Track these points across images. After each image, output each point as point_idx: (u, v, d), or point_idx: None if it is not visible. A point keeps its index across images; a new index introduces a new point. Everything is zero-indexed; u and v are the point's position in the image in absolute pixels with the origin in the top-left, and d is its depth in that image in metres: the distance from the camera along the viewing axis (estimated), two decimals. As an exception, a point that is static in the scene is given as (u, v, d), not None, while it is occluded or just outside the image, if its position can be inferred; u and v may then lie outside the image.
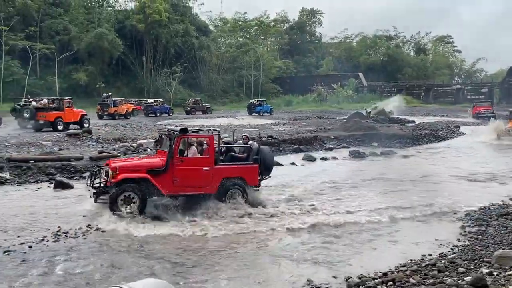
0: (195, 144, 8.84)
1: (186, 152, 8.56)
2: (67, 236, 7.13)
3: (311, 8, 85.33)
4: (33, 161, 12.32)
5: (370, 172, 13.52)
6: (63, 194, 10.12)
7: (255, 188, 9.17)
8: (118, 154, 13.65)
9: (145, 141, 17.11)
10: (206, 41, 62.08)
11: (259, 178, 9.21)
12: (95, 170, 9.06)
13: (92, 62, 50.35)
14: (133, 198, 8.00)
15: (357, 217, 8.34)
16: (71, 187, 10.64)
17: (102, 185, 8.33)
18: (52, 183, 10.87)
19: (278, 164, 14.29)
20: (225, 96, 62.61)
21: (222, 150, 9.32)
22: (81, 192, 9.56)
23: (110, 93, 34.58)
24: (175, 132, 8.52)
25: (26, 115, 22.19)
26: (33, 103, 23.50)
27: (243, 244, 6.99)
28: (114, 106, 33.36)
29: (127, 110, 34.70)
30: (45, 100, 24.25)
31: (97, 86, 47.47)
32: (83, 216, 8.21)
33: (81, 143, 17.47)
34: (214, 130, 9.30)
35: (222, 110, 51.83)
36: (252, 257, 6.45)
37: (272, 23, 77.28)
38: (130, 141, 17.32)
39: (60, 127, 22.15)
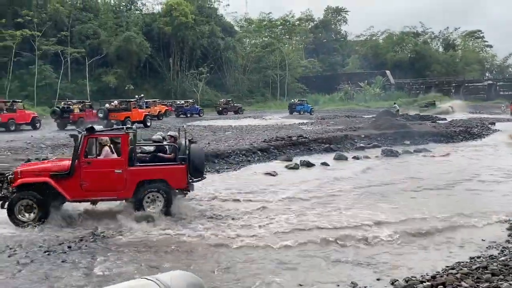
0: (109, 144, 8.15)
1: (96, 153, 8.00)
2: (104, 236, 7.16)
3: (336, 6, 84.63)
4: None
5: (405, 171, 13.15)
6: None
7: (184, 191, 8.39)
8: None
9: (175, 141, 17.17)
10: (232, 41, 62.22)
11: (189, 180, 8.25)
12: (6, 174, 8.39)
13: (120, 65, 51.21)
14: (33, 205, 7.54)
15: (394, 218, 8.05)
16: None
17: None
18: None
19: (309, 164, 14.14)
20: (251, 96, 62.62)
21: (153, 150, 8.55)
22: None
23: (142, 95, 35.11)
24: (82, 132, 7.97)
25: (100, 115, 25.03)
26: (106, 105, 26.52)
27: (275, 246, 6.73)
28: (146, 107, 33.88)
29: (159, 112, 35.20)
30: (116, 102, 27.11)
31: (126, 88, 48.24)
32: (118, 215, 8.23)
33: (113, 144, 17.70)
34: (128, 128, 8.46)
35: (248, 110, 51.85)
36: (288, 259, 6.28)
37: (297, 22, 76.83)
38: (161, 142, 17.41)
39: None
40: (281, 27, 71.95)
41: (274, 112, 46.26)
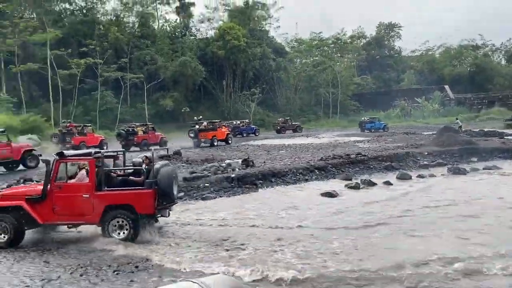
0: (87, 168, 8.10)
1: (67, 177, 8.01)
2: (173, 255, 7.13)
3: (388, 22, 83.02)
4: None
5: (478, 190, 12.26)
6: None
7: (153, 217, 8.14)
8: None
9: (231, 161, 17.25)
10: (283, 62, 62.80)
11: (158, 206, 7.94)
12: None
13: (177, 88, 53.11)
14: (6, 228, 7.65)
15: (481, 241, 7.43)
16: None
17: None
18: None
19: (370, 183, 13.59)
20: (303, 115, 62.43)
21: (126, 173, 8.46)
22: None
23: (201, 116, 36.09)
24: (55, 157, 8.07)
25: (191, 135, 28.07)
26: (197, 126, 29.05)
27: (345, 275, 6.37)
28: None
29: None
30: (205, 123, 29.81)
31: (182, 111, 49.97)
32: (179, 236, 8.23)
33: (172, 164, 18.01)
34: (96, 152, 8.43)
35: (301, 128, 51.52)
36: (359, 283, 5.93)
37: (349, 40, 76.15)
38: (218, 161, 17.55)
39: (215, 143, 27.86)
40: (332, 45, 71.61)
41: (327, 130, 45.65)
